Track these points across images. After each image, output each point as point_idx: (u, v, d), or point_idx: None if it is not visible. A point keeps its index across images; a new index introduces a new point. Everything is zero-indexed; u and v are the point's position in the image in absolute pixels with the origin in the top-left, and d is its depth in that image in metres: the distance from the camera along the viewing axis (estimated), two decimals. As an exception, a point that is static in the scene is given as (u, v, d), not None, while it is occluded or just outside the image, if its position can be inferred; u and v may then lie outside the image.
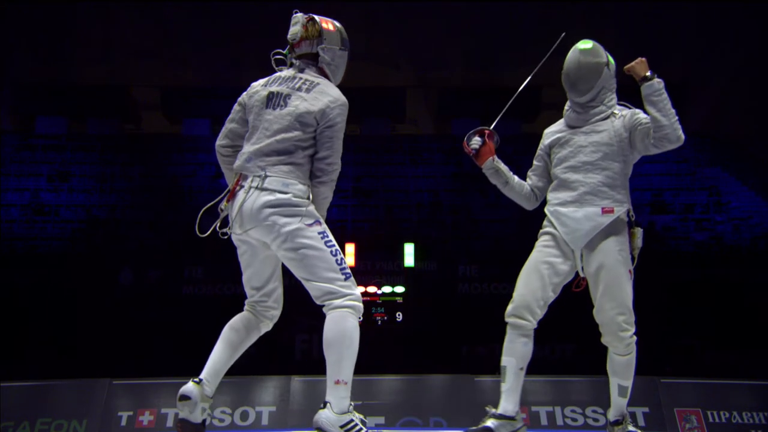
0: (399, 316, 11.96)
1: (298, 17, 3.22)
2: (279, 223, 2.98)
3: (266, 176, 3.02)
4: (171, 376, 6.80)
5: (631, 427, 3.49)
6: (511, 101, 3.65)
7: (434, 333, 11.48)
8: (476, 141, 3.61)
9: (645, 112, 3.40)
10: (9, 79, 17.17)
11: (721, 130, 15.87)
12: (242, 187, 3.08)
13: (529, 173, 3.72)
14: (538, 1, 15.53)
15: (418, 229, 14.51)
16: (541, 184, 3.67)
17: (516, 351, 3.40)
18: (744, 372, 8.70)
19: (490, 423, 3.33)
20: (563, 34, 3.68)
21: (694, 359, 11.11)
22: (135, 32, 16.32)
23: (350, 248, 11.96)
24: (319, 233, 3.02)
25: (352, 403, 2.98)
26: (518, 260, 3.55)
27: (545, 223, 3.57)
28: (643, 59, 3.38)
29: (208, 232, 3.13)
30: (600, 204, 3.40)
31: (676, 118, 3.30)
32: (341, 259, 3.04)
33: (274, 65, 3.29)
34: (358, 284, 3.09)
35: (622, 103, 3.58)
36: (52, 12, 15.39)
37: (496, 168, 3.61)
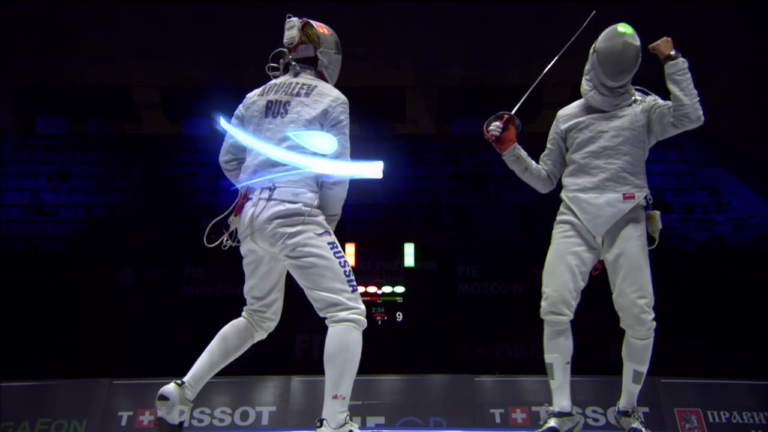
0: (399, 316, 11.96)
1: (293, 21, 3.20)
2: (288, 233, 2.96)
3: (275, 187, 2.99)
4: (171, 376, 6.76)
5: (637, 424, 3.44)
6: (537, 81, 3.58)
7: (434, 333, 11.48)
8: (496, 127, 3.52)
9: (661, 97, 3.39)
10: (9, 79, 17.14)
11: (721, 130, 15.82)
12: (250, 199, 3.04)
13: (543, 157, 3.67)
14: (538, 1, 15.50)
15: (418, 229, 14.48)
16: (555, 169, 3.62)
17: (560, 347, 3.37)
18: (744, 372, 8.69)
19: (553, 423, 3.31)
20: (593, 12, 3.63)
21: (694, 359, 11.11)
22: (135, 32, 16.27)
23: (350, 248, 11.96)
24: (329, 243, 3.00)
25: (348, 412, 2.94)
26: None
27: (562, 209, 3.51)
28: (669, 39, 3.36)
29: (215, 244, 3.11)
30: (621, 190, 3.37)
31: (698, 98, 3.29)
32: (349, 271, 3.00)
33: (268, 71, 3.27)
34: (358, 284, 3.06)
35: (639, 88, 3.55)
36: (52, 12, 15.34)
37: (517, 156, 3.56)
